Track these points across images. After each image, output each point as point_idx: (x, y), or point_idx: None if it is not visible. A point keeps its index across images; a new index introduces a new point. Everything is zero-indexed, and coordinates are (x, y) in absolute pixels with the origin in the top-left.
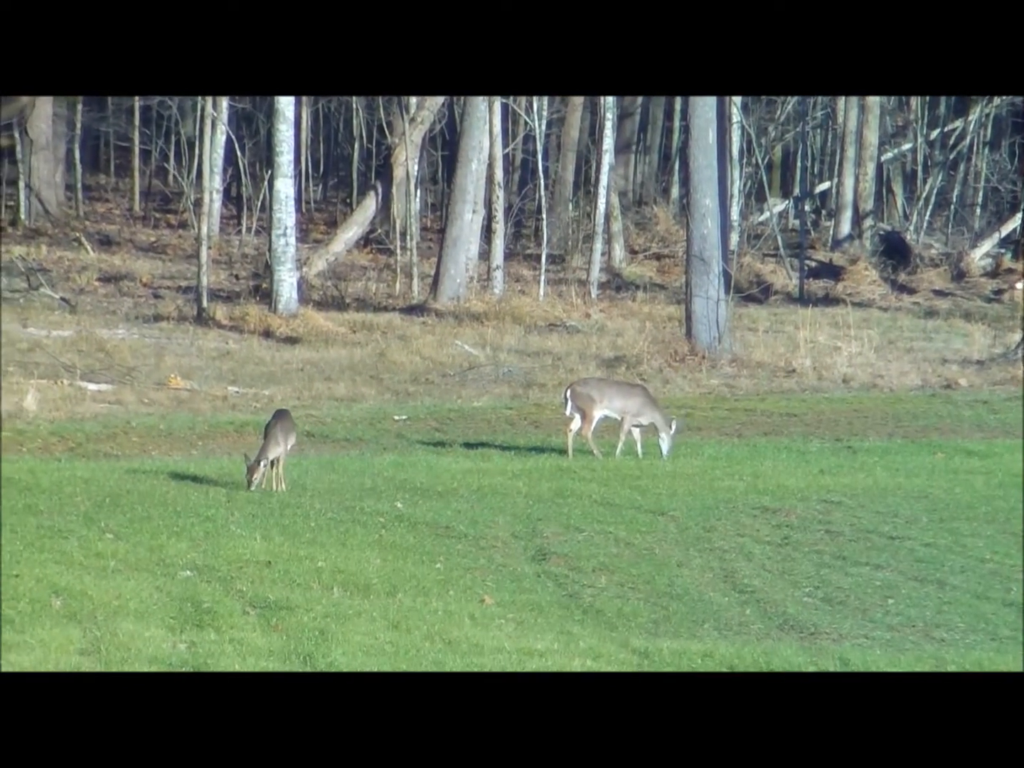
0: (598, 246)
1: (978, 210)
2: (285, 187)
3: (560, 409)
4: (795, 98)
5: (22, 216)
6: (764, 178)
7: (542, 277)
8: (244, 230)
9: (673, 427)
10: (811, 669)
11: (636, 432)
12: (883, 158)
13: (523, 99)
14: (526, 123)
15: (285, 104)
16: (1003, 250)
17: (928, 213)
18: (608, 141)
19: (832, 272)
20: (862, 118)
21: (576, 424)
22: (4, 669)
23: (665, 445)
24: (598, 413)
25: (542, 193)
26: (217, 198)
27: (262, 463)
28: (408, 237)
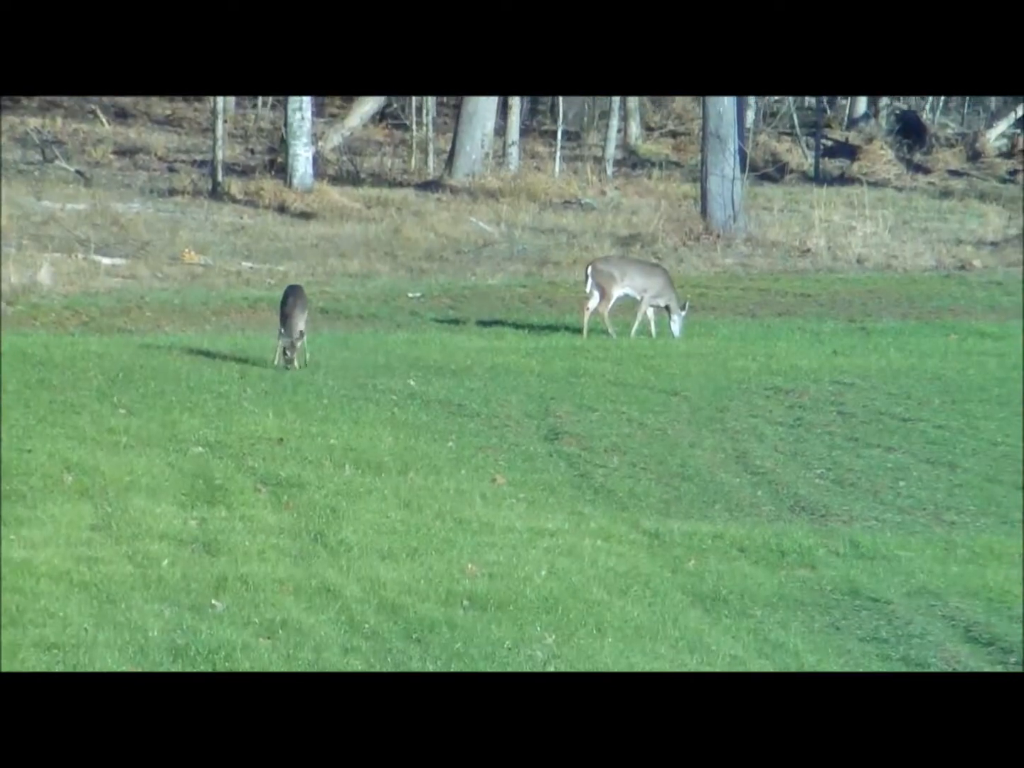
0: (614, 123)
1: None
2: None
3: (579, 286)
4: None
5: None
6: None
7: (557, 154)
8: (260, 104)
9: (685, 309)
10: (821, 551)
11: (651, 312)
12: None
13: None
14: None
15: None
16: (1019, 130)
17: None
18: None
19: (847, 151)
20: None
21: (595, 302)
22: (14, 544)
23: (677, 326)
24: (618, 292)
25: None
26: None
27: (299, 339)
28: (424, 112)
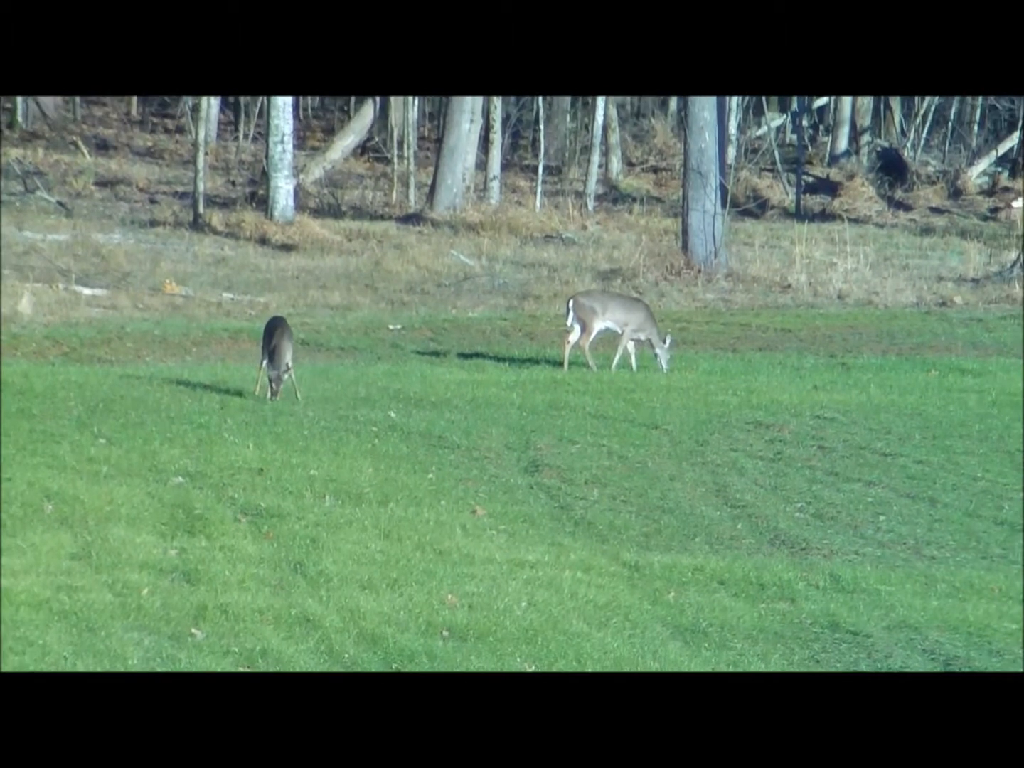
0: (595, 158)
1: (976, 128)
2: None
3: (559, 320)
4: None
5: (19, 119)
6: None
7: (539, 188)
8: (241, 136)
9: (667, 343)
10: (801, 584)
11: (631, 346)
12: None
13: None
14: None
15: None
16: (1000, 168)
17: (926, 130)
18: None
19: (829, 188)
20: None
21: (575, 335)
22: None
23: (663, 360)
24: (599, 325)
25: (540, 104)
26: (215, 104)
27: (285, 372)
28: (405, 146)
